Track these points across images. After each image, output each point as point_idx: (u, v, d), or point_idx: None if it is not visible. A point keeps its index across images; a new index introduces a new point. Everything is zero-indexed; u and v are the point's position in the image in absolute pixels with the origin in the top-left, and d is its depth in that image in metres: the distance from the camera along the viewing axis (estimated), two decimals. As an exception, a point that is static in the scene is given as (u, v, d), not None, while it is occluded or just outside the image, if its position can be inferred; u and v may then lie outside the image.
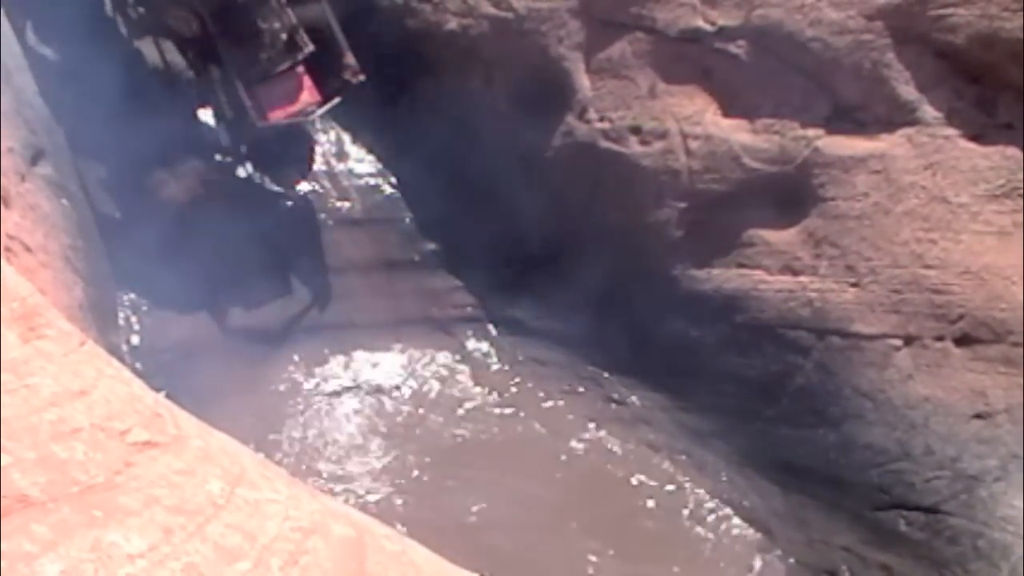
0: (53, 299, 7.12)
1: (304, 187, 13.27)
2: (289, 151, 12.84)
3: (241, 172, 13.07)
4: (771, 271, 11.15)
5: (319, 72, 12.25)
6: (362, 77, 12.21)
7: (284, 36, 12.21)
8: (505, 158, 12.21)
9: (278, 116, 11.97)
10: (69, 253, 10.09)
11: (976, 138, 10.36)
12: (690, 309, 11.67)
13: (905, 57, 10.50)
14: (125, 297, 11.79)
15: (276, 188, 13.19)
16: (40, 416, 3.23)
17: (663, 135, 11.56)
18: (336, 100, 12.34)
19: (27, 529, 2.87)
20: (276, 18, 12.20)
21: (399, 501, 11.07)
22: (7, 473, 2.96)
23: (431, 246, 13.15)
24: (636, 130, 11.74)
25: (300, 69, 12.15)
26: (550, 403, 12.00)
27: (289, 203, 13.26)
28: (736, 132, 11.25)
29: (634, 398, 12.04)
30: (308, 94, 12.20)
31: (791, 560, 10.62)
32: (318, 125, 13.24)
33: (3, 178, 9.00)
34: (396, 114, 12.76)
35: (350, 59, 12.24)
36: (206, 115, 12.78)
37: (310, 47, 12.10)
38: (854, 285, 10.67)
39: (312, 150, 13.33)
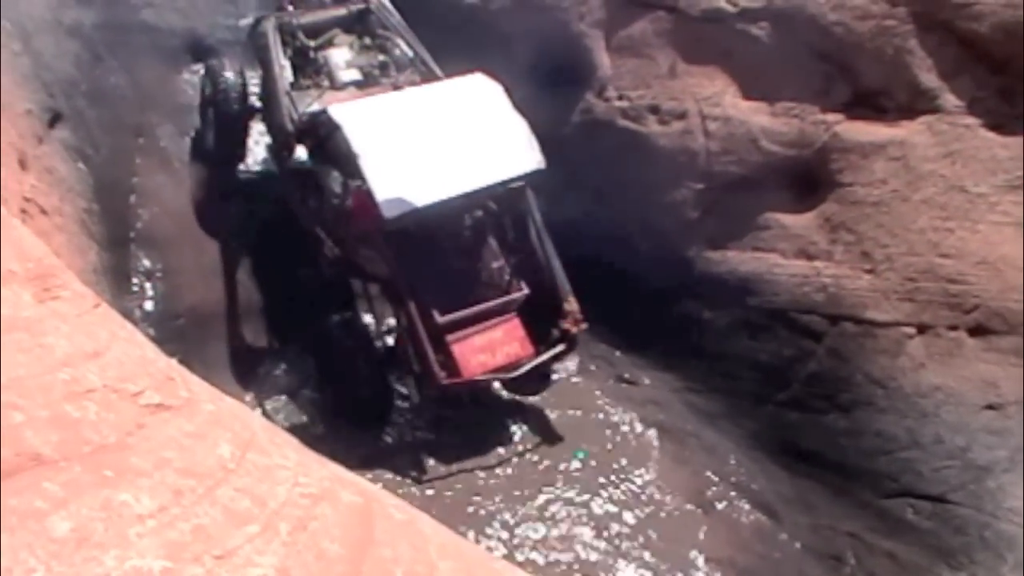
0: (68, 262, 7.15)
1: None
2: None
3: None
4: (786, 255, 11.12)
5: (530, 317, 10.48)
6: (584, 327, 10.55)
7: (495, 278, 10.50)
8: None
9: (475, 372, 10.12)
10: (84, 217, 10.13)
11: (996, 128, 10.28)
12: (704, 291, 11.66)
13: (928, 44, 10.44)
14: (139, 263, 11.78)
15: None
16: (54, 375, 3.24)
17: (682, 115, 11.54)
18: (556, 350, 10.50)
19: (38, 487, 2.88)
20: (489, 257, 10.51)
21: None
22: (20, 431, 2.98)
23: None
24: (655, 110, 11.72)
25: (509, 315, 10.46)
26: (561, 380, 11.98)
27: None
28: (755, 115, 11.22)
29: (645, 378, 12.04)
30: (519, 346, 10.36)
31: (797, 544, 10.62)
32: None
33: (21, 141, 9.03)
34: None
35: (572, 304, 10.47)
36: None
37: (524, 290, 10.50)
38: (869, 272, 10.64)
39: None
